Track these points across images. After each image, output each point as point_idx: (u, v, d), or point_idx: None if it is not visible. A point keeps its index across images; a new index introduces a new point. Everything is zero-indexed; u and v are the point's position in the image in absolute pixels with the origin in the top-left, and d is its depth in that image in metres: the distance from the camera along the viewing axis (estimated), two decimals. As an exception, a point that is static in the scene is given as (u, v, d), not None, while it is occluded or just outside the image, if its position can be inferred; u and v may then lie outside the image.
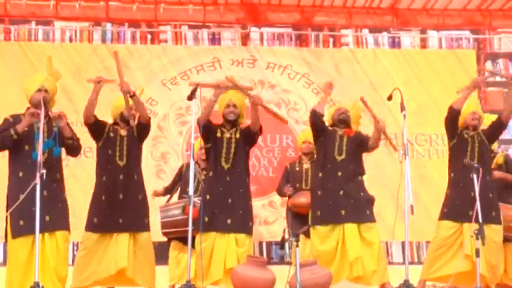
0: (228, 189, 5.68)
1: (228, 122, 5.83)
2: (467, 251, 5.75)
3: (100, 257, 5.51)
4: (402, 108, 5.51)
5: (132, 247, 5.54)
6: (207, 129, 5.75)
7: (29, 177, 4.88)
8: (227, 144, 5.74)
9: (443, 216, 5.98)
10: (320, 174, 6.03)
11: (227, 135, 5.78)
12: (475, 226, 5.44)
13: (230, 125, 5.83)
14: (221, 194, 5.67)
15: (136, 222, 5.57)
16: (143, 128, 5.72)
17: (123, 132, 5.68)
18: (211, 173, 5.79)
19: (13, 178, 5.31)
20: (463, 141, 6.02)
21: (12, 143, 5.25)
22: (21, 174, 5.23)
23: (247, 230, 5.68)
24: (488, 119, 6.23)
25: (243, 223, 5.66)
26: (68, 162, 5.88)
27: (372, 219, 5.87)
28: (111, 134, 5.66)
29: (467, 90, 5.92)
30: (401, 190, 5.34)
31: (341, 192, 5.86)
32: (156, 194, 7.29)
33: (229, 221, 5.60)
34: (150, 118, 5.74)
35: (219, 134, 5.78)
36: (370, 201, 5.99)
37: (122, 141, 5.64)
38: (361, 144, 6.04)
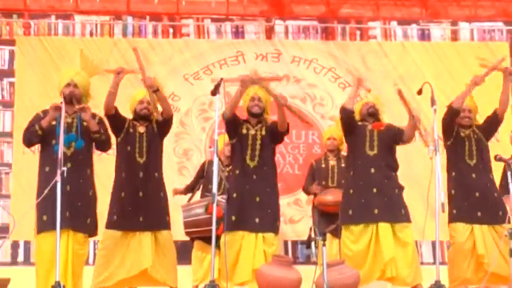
0: (256, 188, 5.65)
1: (253, 116, 5.80)
2: (479, 251, 5.81)
3: (122, 257, 5.51)
4: (433, 103, 5.47)
5: (155, 246, 5.54)
6: (233, 124, 5.71)
7: (55, 172, 4.90)
8: (252, 142, 5.72)
9: (455, 218, 5.92)
10: (351, 173, 5.97)
11: (252, 131, 5.76)
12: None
13: (255, 121, 5.81)
14: (249, 192, 5.64)
15: (158, 221, 5.58)
16: (165, 124, 5.72)
17: (142, 129, 5.69)
18: (237, 171, 5.76)
19: (41, 172, 5.40)
20: (460, 140, 5.99)
21: (39, 139, 5.35)
22: (47, 169, 5.30)
23: (276, 230, 5.66)
24: None
25: (272, 222, 5.64)
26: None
27: (407, 219, 5.79)
28: (131, 130, 5.68)
29: (468, 88, 5.94)
30: (432, 187, 5.30)
31: (374, 190, 5.79)
32: (177, 192, 7.30)
33: (257, 220, 5.57)
34: (172, 114, 5.74)
35: (244, 131, 5.75)
36: (402, 198, 5.92)
37: (141, 138, 5.65)
38: (393, 137, 5.98)
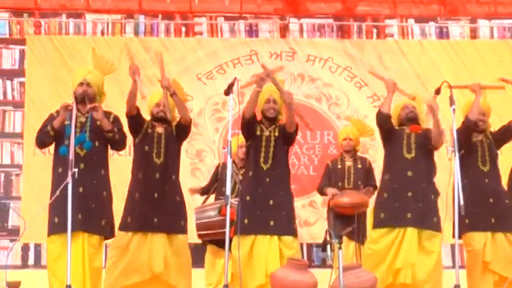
0: (269, 191, 5.63)
1: (267, 118, 5.80)
2: (486, 258, 5.78)
3: (132, 259, 5.50)
4: (451, 103, 5.44)
5: (168, 250, 5.54)
6: (251, 125, 5.69)
7: (67, 173, 4.90)
8: (266, 143, 5.71)
9: (469, 228, 5.83)
10: (386, 177, 5.94)
11: (266, 133, 5.75)
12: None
13: (269, 122, 5.81)
14: (261, 195, 5.62)
15: (172, 224, 5.55)
16: (183, 130, 5.73)
17: (160, 130, 5.69)
18: (250, 173, 5.75)
19: (54, 173, 5.42)
20: (472, 146, 5.93)
21: (52, 139, 5.38)
22: (60, 170, 5.32)
23: (293, 232, 5.63)
24: None
25: (288, 225, 5.61)
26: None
27: (437, 228, 5.72)
28: (149, 130, 5.68)
29: (476, 99, 5.91)
30: (450, 189, 5.28)
31: (409, 194, 5.75)
32: (193, 191, 7.32)
33: (272, 223, 5.57)
34: (191, 120, 5.73)
35: (258, 132, 5.75)
36: (437, 205, 5.82)
37: (159, 139, 5.65)
38: (429, 141, 5.87)
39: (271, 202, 5.61)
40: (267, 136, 5.75)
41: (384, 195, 5.91)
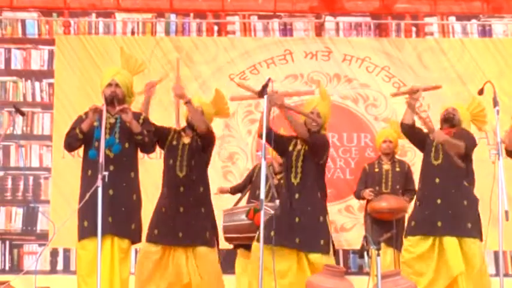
0: (297, 207, 5.60)
1: (309, 132, 5.72)
2: None
3: (161, 272, 5.57)
4: (495, 104, 5.39)
5: (193, 262, 5.56)
6: (277, 144, 5.67)
7: (97, 176, 4.89)
8: (296, 158, 5.70)
9: None
10: (420, 184, 6.00)
11: (298, 147, 5.73)
12: None
13: None
14: (291, 211, 5.59)
15: (196, 237, 5.58)
16: (203, 140, 5.70)
17: (186, 140, 5.71)
18: (284, 189, 5.77)
19: (83, 176, 5.46)
20: None
21: (80, 143, 5.41)
22: (89, 172, 5.36)
23: (321, 249, 5.53)
24: None
25: (314, 242, 5.54)
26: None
27: (472, 233, 5.70)
28: (174, 142, 5.72)
29: None
30: (495, 194, 5.23)
31: (438, 201, 5.76)
32: (222, 191, 7.33)
33: (297, 240, 5.54)
34: (207, 130, 5.65)
35: (291, 147, 5.74)
36: (474, 211, 5.80)
37: (183, 151, 5.68)
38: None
39: (296, 220, 5.58)
40: (299, 150, 5.72)
41: (417, 203, 5.96)
